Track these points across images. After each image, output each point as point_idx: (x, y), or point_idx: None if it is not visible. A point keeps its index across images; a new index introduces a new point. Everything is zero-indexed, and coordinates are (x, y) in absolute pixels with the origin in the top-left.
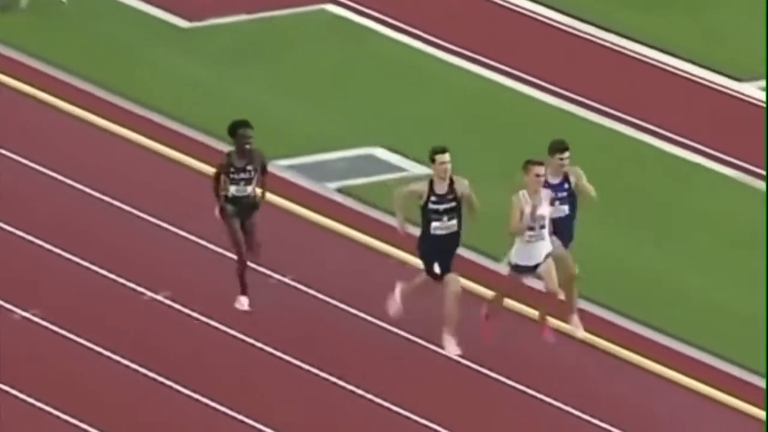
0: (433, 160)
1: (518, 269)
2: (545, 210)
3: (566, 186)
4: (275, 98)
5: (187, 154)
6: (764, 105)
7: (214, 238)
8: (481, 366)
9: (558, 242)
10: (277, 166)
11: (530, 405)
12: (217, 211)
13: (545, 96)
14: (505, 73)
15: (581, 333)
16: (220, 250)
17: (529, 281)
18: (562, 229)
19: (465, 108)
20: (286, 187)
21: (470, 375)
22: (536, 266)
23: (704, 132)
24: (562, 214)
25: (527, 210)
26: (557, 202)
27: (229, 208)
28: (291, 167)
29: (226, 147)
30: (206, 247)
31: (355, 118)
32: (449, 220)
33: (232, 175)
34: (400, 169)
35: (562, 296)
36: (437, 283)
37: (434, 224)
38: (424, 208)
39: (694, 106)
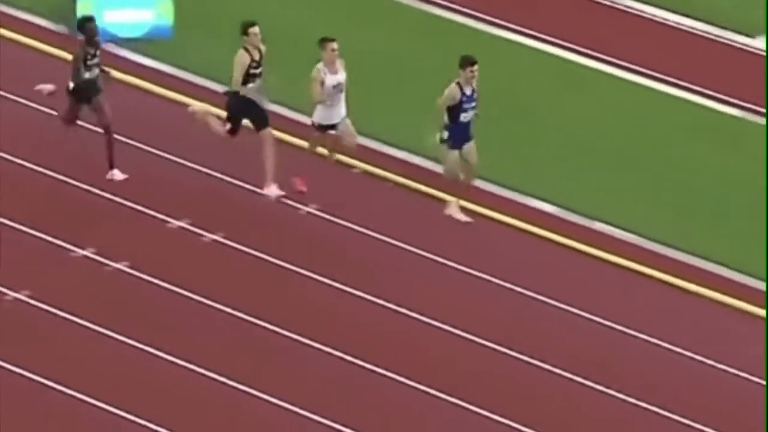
0: (246, 33)
1: (321, 128)
2: (341, 78)
3: (475, 96)
4: None
5: None
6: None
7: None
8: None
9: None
10: None
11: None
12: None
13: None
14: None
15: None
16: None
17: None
18: (467, 130)
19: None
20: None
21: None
22: (335, 125)
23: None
24: (469, 119)
25: (327, 80)
26: (470, 109)
27: (83, 91)
28: None
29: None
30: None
31: None
32: (258, 79)
33: (88, 62)
34: None
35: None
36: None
37: (250, 85)
38: (245, 74)
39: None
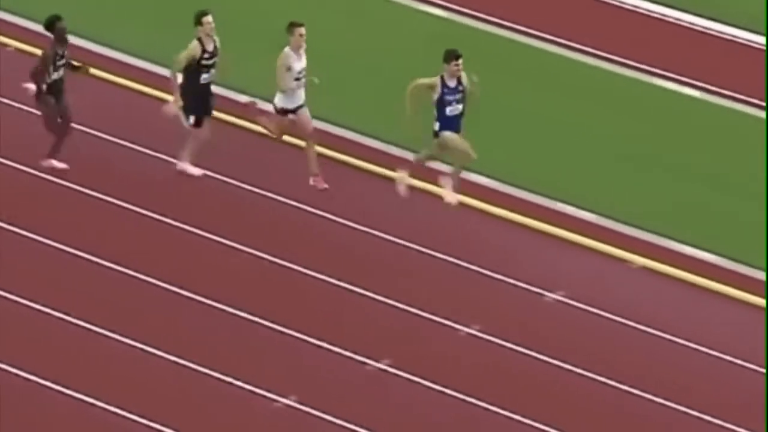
0: (200, 23)
1: (284, 112)
2: (304, 64)
3: (460, 88)
4: None
5: None
6: None
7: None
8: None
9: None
10: None
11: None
12: (35, 95)
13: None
14: None
15: (453, 199)
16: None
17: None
18: (456, 123)
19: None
20: None
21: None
22: (296, 108)
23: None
24: (457, 112)
25: (295, 66)
26: (454, 102)
27: (49, 92)
28: None
29: None
30: None
31: None
32: (212, 69)
33: (57, 63)
34: None
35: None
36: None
37: (203, 76)
38: (198, 64)
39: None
